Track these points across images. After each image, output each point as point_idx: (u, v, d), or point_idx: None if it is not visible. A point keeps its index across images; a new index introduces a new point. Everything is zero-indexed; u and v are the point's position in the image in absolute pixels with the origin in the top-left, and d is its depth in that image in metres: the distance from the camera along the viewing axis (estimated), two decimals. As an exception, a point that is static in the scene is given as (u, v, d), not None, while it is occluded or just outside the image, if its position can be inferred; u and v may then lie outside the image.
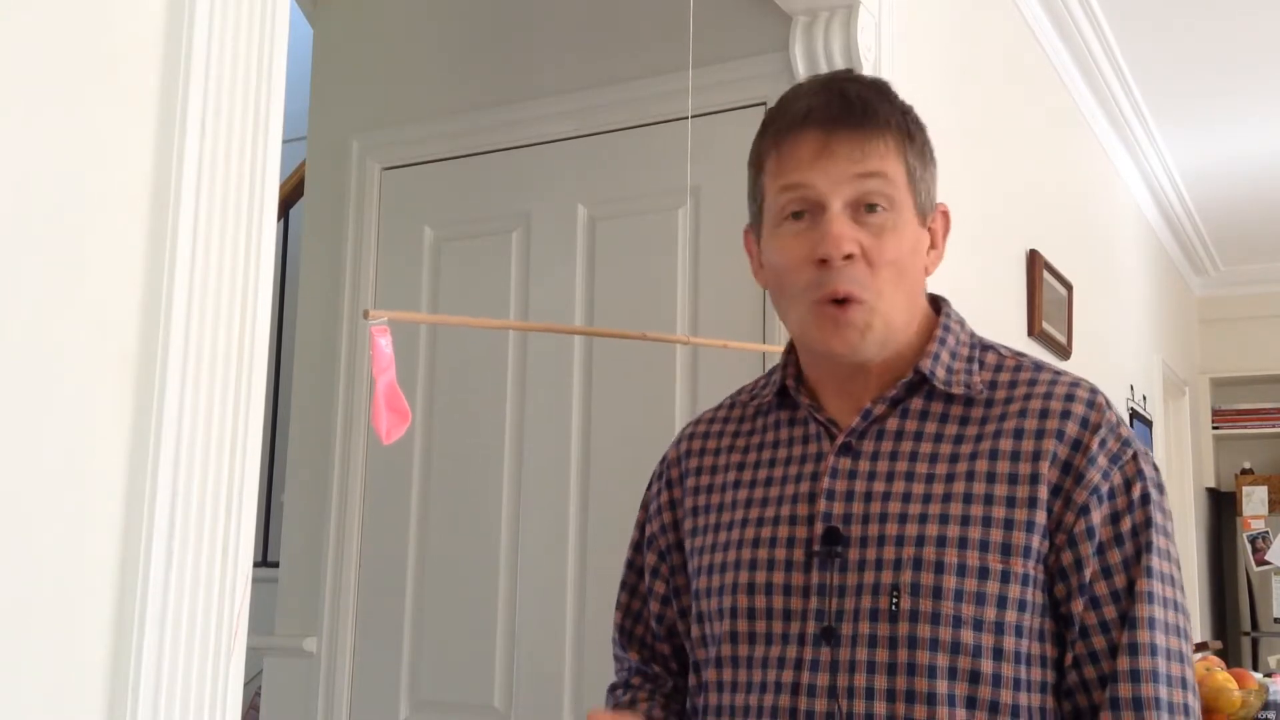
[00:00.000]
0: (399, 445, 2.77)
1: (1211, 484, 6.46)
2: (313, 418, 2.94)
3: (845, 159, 1.14)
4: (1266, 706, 2.73)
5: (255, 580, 1.13)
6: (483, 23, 2.93)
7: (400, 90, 3.00)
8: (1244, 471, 6.46)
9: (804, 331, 1.19)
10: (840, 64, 2.31)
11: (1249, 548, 6.20)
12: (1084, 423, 1.15)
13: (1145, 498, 1.14)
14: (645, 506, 1.37)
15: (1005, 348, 1.26)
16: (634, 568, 1.37)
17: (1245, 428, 6.54)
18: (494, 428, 2.73)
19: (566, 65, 2.76)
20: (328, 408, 2.90)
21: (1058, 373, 1.21)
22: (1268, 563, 6.06)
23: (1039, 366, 1.22)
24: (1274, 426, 6.50)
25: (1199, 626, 5.71)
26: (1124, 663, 1.10)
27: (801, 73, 2.29)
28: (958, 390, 1.19)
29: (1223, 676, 2.66)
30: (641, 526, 1.37)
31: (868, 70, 2.31)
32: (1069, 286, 3.66)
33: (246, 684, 1.13)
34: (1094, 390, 1.19)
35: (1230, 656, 5.30)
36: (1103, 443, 1.15)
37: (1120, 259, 4.76)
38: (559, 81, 2.76)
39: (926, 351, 1.20)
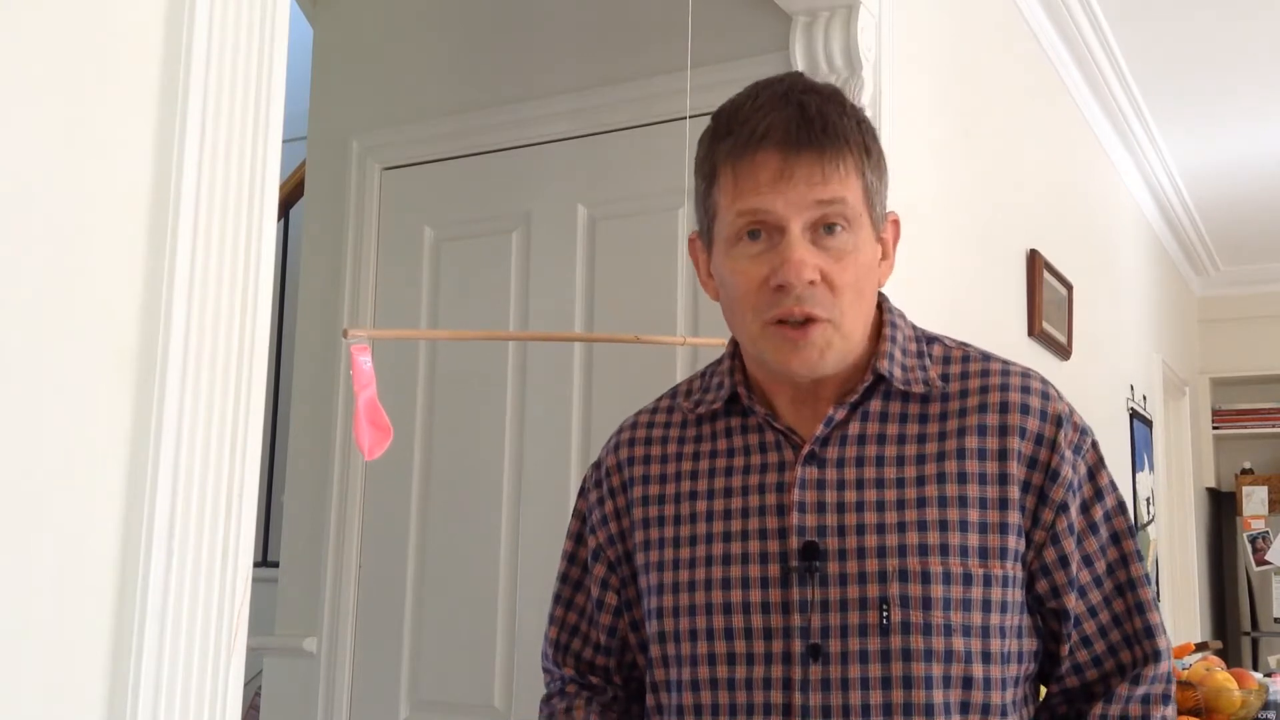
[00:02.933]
0: (398, 445, 2.77)
1: (1211, 484, 6.46)
2: (313, 418, 2.94)
3: (805, 182, 1.11)
4: (1266, 706, 2.74)
5: (255, 580, 1.13)
6: (483, 23, 2.93)
7: (400, 90, 3.00)
8: (1244, 471, 6.46)
9: (759, 350, 1.16)
10: (840, 64, 2.31)
11: (1249, 548, 6.20)
12: (1043, 416, 1.17)
13: (1112, 484, 1.21)
14: (582, 516, 1.32)
15: (948, 338, 1.26)
16: (568, 581, 1.33)
17: (1245, 428, 6.54)
18: (494, 427, 2.73)
19: (566, 65, 2.76)
20: (328, 408, 2.90)
21: (1005, 363, 1.22)
22: (1268, 563, 6.06)
23: (986, 357, 1.23)
24: (1274, 426, 6.50)
25: (1199, 626, 5.71)
26: (1146, 646, 1.18)
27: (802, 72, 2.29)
28: (917, 389, 1.18)
29: (1223, 676, 2.67)
30: (577, 536, 1.32)
31: (868, 71, 2.31)
32: (1069, 286, 3.66)
33: (246, 684, 1.13)
34: (1044, 380, 1.22)
35: (1230, 656, 5.30)
36: (1066, 435, 1.18)
37: (1120, 259, 4.76)
38: (559, 81, 2.75)
39: (880, 352, 1.19)
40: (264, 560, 3.58)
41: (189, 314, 1.02)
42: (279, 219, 2.50)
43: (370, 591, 2.81)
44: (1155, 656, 1.18)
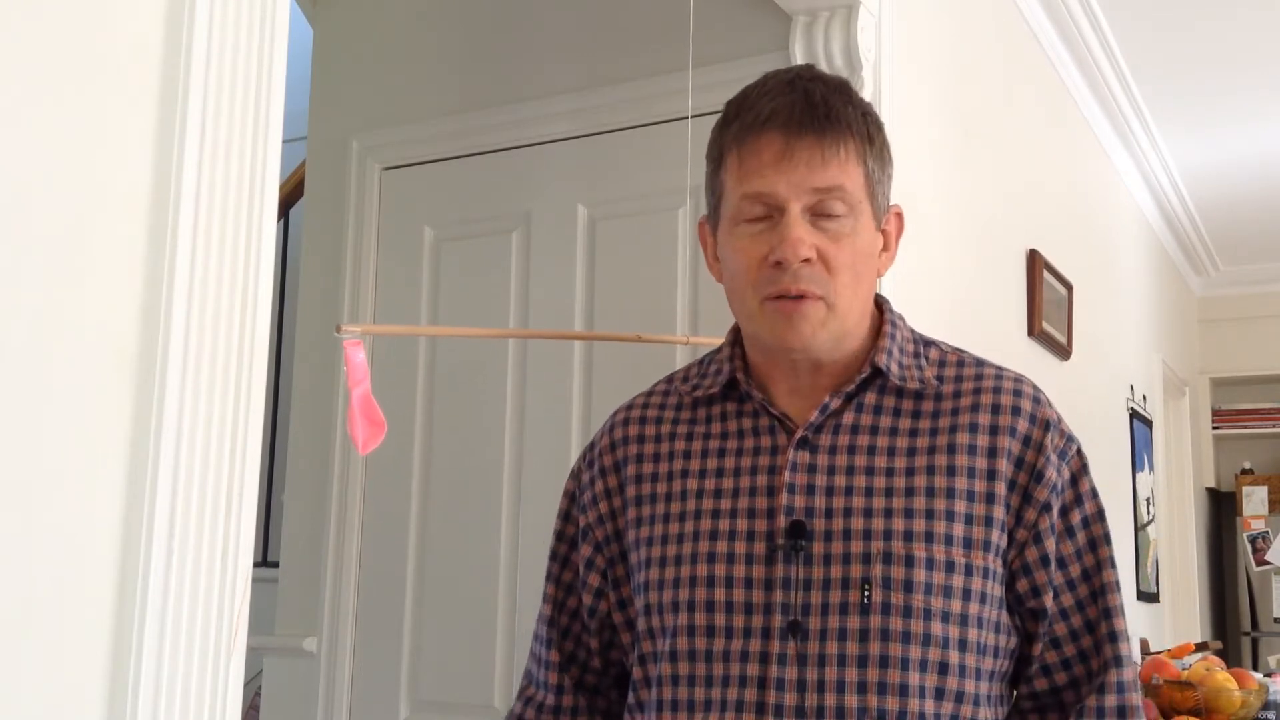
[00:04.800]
0: (398, 445, 2.77)
1: (1211, 484, 6.46)
2: (312, 417, 2.94)
3: (805, 164, 1.15)
4: (1266, 706, 2.74)
5: (255, 580, 1.13)
6: (483, 23, 2.93)
7: (400, 90, 3.00)
8: (1244, 471, 6.46)
9: (757, 327, 1.20)
10: (840, 64, 2.31)
11: (1249, 548, 6.20)
12: (1033, 419, 1.20)
13: (1093, 491, 1.23)
14: (571, 496, 1.34)
15: (944, 343, 1.28)
16: (557, 558, 1.35)
17: (1245, 428, 6.54)
18: (494, 426, 2.73)
19: (566, 65, 2.76)
20: (328, 407, 2.90)
21: (999, 368, 1.25)
22: (1268, 563, 6.06)
23: (980, 362, 1.26)
24: (1274, 426, 6.49)
25: (1199, 626, 5.71)
26: (1107, 651, 1.19)
27: (801, 73, 2.29)
28: (912, 385, 1.21)
29: (1223, 676, 2.67)
30: (566, 515, 1.35)
31: (868, 71, 2.31)
32: (1069, 286, 3.66)
33: (246, 684, 1.13)
34: (1035, 387, 1.25)
35: (1230, 656, 5.30)
36: (1052, 440, 1.20)
37: (1120, 259, 4.76)
38: (559, 81, 2.76)
39: (879, 347, 1.22)
40: (264, 560, 3.58)
41: (189, 314, 1.02)
42: (279, 219, 2.50)
43: (370, 591, 2.82)
44: (1116, 662, 1.19)
